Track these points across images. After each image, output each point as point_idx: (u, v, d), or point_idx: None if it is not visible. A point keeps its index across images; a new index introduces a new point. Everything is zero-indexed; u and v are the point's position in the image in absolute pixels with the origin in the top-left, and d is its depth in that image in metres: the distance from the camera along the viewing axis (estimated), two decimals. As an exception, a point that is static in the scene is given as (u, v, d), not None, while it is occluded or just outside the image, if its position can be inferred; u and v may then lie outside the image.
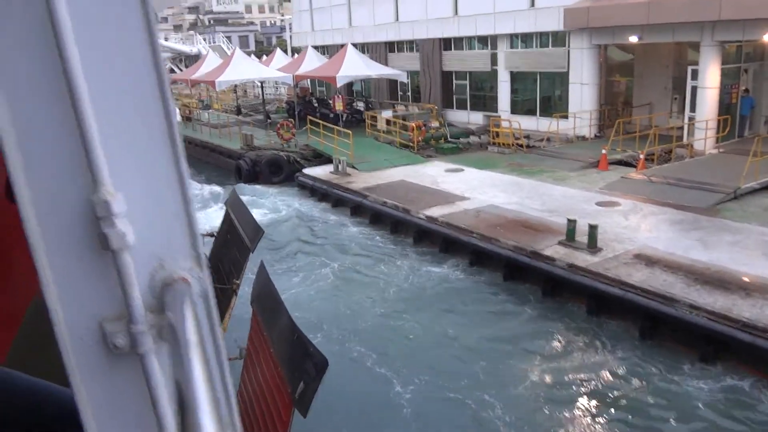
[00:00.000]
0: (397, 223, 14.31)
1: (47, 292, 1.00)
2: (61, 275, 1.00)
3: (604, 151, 16.86)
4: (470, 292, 11.14)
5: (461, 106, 26.23)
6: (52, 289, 1.00)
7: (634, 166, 16.44)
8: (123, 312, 1.01)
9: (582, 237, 10.64)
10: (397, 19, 28.48)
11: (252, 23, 76.60)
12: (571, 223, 10.80)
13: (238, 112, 31.04)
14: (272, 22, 78.37)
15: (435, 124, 22.74)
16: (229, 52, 34.83)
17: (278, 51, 32.59)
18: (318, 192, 17.78)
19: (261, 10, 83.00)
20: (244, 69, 25.43)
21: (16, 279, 4.37)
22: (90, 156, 0.95)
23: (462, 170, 17.73)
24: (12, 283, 4.24)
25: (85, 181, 0.97)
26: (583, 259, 10.17)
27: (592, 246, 10.41)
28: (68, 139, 0.95)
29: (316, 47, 30.57)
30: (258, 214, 14.23)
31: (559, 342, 9.27)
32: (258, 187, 19.15)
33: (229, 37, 62.28)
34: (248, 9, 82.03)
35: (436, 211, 13.56)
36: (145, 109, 1.00)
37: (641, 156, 16.37)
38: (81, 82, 0.93)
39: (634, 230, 11.52)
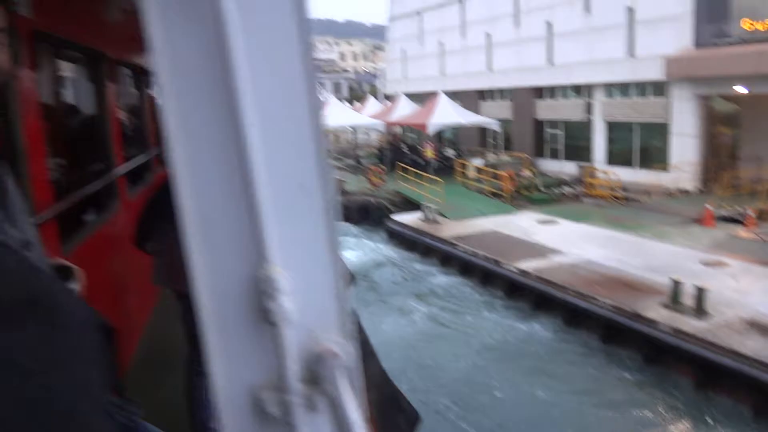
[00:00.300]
0: (488, 275, 14.03)
1: (209, 356, 1.07)
2: (223, 342, 1.07)
3: (708, 207, 15.94)
4: (564, 352, 10.69)
5: (553, 155, 25.79)
6: (213, 354, 1.07)
7: (742, 224, 15.39)
8: (277, 381, 1.07)
9: (687, 299, 10.00)
10: (490, 68, 28.71)
11: (345, 71, 79.86)
12: (676, 284, 10.20)
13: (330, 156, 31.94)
14: (365, 70, 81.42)
15: (527, 173, 22.42)
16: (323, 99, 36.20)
17: (371, 98, 33.64)
18: (406, 239, 17.82)
19: (354, 58, 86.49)
20: (338, 115, 26.38)
21: (133, 306, 4.66)
22: (259, 234, 1.03)
23: (555, 222, 17.28)
24: (130, 308, 4.52)
25: (253, 257, 1.04)
26: (690, 324, 9.53)
27: (700, 310, 9.75)
28: (240, 216, 1.04)
29: (408, 94, 31.31)
30: (345, 259, 14.48)
31: (662, 416, 8.65)
32: (347, 231, 19.54)
33: (323, 84, 65.14)
34: (342, 57, 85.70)
35: (528, 264, 13.21)
36: (309, 188, 1.07)
37: (751, 213, 15.32)
38: (259, 168, 1.01)
39: (745, 294, 10.70)
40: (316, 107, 1.04)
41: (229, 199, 1.03)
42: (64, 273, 1.61)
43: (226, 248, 1.05)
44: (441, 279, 14.92)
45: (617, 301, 10.68)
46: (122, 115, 5.21)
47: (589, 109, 23.62)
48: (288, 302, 1.05)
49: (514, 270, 13.18)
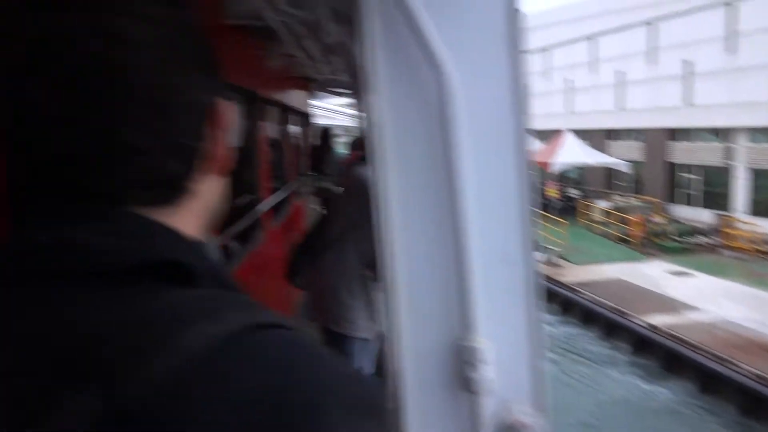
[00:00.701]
0: (612, 327, 13.24)
1: (405, 415, 1.12)
2: (420, 404, 1.12)
3: None
4: (695, 421, 9.82)
5: (687, 201, 24.19)
6: (410, 414, 1.12)
7: None
8: (470, 449, 1.10)
9: None
10: (620, 107, 27.68)
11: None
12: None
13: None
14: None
15: (658, 219, 21.16)
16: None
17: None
18: None
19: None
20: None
21: None
22: (465, 303, 1.08)
23: (689, 274, 16.10)
24: None
25: (457, 325, 1.10)
26: None
27: None
28: (448, 284, 1.10)
29: (532, 131, 30.75)
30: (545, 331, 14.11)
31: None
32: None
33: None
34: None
35: (658, 319, 12.36)
36: (513, 260, 1.11)
37: None
38: (470, 239, 1.07)
39: None
40: (526, 184, 1.09)
41: (439, 268, 1.10)
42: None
43: (431, 315, 1.12)
44: (560, 327, 14.33)
45: (763, 370, 9.69)
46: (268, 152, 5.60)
47: (729, 153, 21.98)
48: (489, 372, 1.09)
49: (643, 324, 12.38)
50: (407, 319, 1.12)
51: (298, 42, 3.86)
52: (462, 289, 1.08)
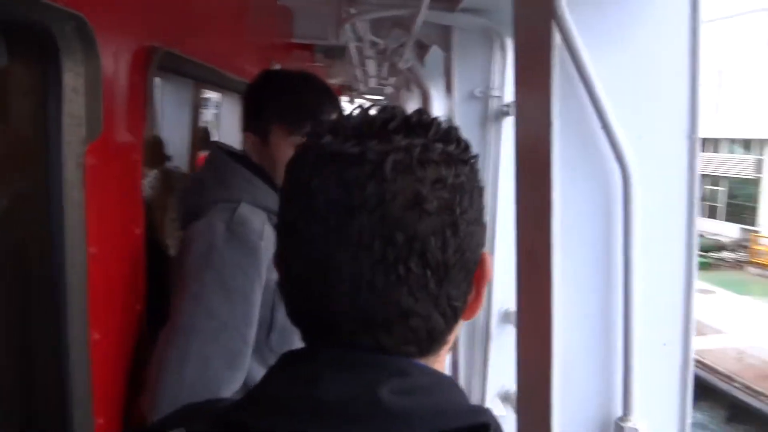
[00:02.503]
0: None
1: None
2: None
3: None
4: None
5: (711, 214, 24.13)
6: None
7: None
8: None
9: None
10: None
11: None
12: None
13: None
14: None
15: None
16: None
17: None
18: None
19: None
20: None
21: None
22: (629, 386, 1.14)
23: (713, 292, 15.94)
24: None
25: (613, 405, 1.16)
26: None
27: None
28: (607, 365, 1.16)
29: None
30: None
31: None
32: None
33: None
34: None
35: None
36: (672, 346, 1.17)
37: None
38: (632, 326, 1.13)
39: None
40: (692, 274, 1.15)
41: (601, 347, 1.16)
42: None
43: (588, 391, 1.17)
44: None
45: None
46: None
47: (758, 166, 21.93)
48: (646, 451, 1.14)
49: None
50: (561, 393, 1.18)
51: (362, 63, 3.94)
52: (626, 369, 1.14)
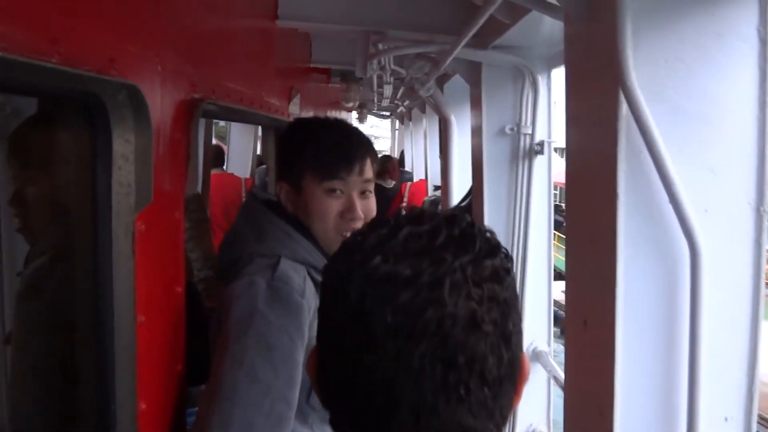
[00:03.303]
0: None
1: None
2: None
3: None
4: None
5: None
6: None
7: None
8: None
9: None
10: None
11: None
12: None
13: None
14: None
15: None
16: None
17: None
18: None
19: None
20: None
21: None
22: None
23: None
24: None
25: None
26: None
27: None
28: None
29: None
30: None
31: None
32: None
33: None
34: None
35: None
36: (735, 420, 1.15)
37: None
38: (691, 402, 1.11)
39: None
40: (756, 350, 1.13)
41: (659, 428, 1.14)
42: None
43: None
44: None
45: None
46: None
47: None
48: None
49: None
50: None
51: (378, 88, 3.95)
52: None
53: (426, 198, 4.80)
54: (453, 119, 3.51)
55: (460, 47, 1.93)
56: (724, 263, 1.09)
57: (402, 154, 8.50)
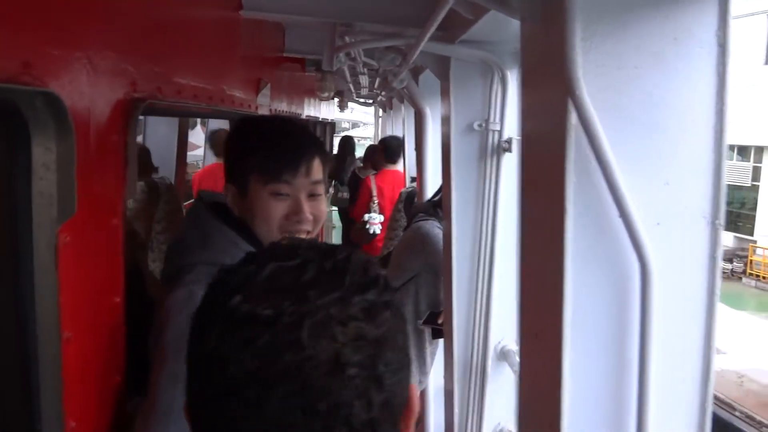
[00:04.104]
0: None
1: None
2: None
3: None
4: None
5: (708, 222, 24.33)
6: None
7: None
8: None
9: None
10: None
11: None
12: None
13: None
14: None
15: None
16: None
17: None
18: None
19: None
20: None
21: None
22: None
23: None
24: None
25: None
26: None
27: None
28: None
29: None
30: None
31: None
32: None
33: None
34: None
35: None
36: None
37: None
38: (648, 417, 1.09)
39: None
40: (708, 375, 1.11)
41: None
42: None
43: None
44: None
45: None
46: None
47: (756, 174, 22.12)
48: None
49: None
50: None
51: (353, 78, 3.89)
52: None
53: (403, 190, 4.75)
54: (428, 111, 3.46)
55: (424, 41, 1.88)
56: (677, 277, 1.06)
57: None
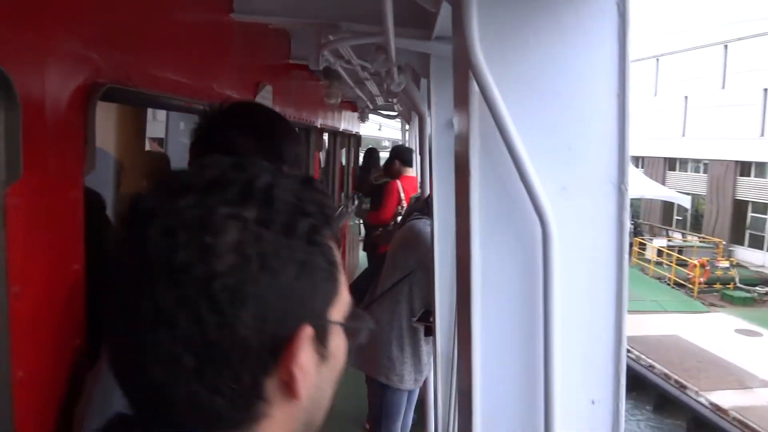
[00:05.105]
0: (665, 400, 11.93)
1: None
2: None
3: None
4: None
5: (757, 244, 23.65)
6: None
7: None
8: None
9: None
10: (683, 134, 27.34)
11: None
12: None
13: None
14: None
15: (724, 264, 20.46)
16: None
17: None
18: None
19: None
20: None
21: None
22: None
23: (759, 335, 14.70)
24: None
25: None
26: None
27: None
28: (532, 423, 1.17)
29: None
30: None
31: None
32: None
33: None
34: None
35: (724, 397, 10.78)
36: (602, 403, 1.18)
37: None
38: (555, 382, 1.14)
39: None
40: (622, 329, 1.16)
41: (521, 413, 1.17)
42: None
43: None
44: None
45: None
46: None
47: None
48: None
49: (704, 402, 10.89)
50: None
51: (357, 81, 4.03)
52: (546, 429, 1.16)
53: (413, 195, 4.89)
54: (427, 113, 3.56)
55: (392, 33, 1.98)
56: (586, 241, 1.12)
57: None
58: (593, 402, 1.18)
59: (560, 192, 1.11)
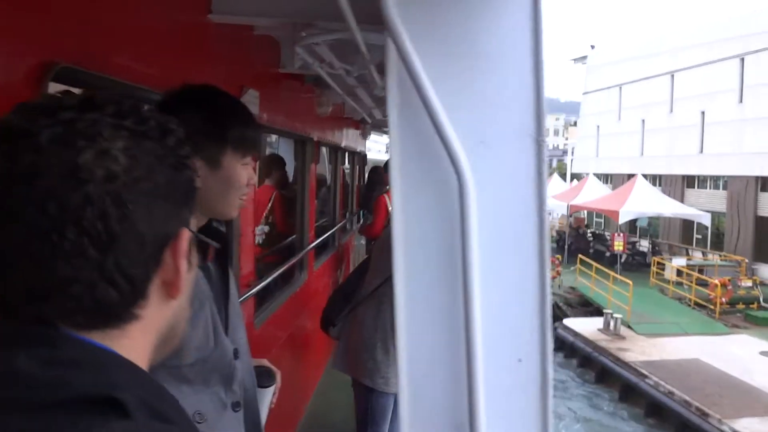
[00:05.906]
0: (686, 428, 11.43)
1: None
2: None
3: None
4: None
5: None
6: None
7: None
8: None
9: None
10: (701, 150, 27.17)
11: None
12: None
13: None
14: (555, 145, 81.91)
15: (747, 283, 19.85)
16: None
17: (555, 176, 33.45)
18: (579, 353, 15.79)
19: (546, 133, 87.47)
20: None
21: (303, 377, 5.17)
22: (474, 404, 1.17)
23: None
24: (301, 378, 4.96)
25: (459, 422, 1.19)
26: None
27: None
28: (455, 383, 1.19)
29: (598, 175, 30.62)
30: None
31: None
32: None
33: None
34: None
35: (749, 425, 10.36)
36: (528, 362, 1.21)
37: None
38: (478, 341, 1.17)
39: None
40: (545, 286, 1.19)
41: (445, 368, 1.19)
42: (266, 375, 1.87)
43: (435, 408, 1.21)
44: (619, 422, 12.85)
45: None
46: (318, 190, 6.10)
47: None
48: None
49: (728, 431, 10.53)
50: (413, 409, 1.23)
51: (348, 91, 4.11)
52: (471, 388, 1.18)
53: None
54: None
55: (357, 31, 2.04)
56: (505, 193, 1.16)
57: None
58: (520, 360, 1.20)
59: (479, 145, 1.15)
